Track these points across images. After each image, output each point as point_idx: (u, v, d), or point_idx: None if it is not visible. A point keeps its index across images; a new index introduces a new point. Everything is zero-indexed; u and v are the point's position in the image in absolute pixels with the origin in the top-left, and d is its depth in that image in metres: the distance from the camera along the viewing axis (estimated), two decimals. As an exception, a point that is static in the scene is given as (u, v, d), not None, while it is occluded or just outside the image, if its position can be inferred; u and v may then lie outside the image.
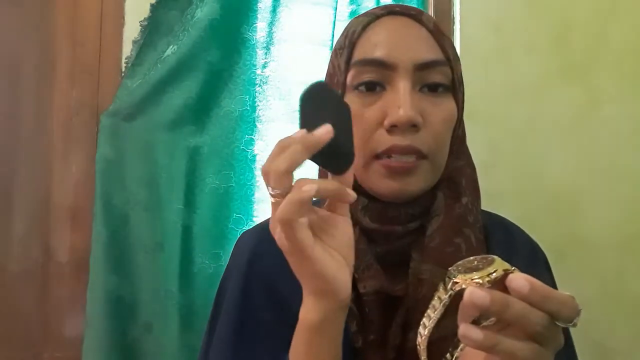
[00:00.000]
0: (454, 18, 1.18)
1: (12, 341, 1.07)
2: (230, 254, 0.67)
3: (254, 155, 1.08)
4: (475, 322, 0.38)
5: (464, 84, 0.62)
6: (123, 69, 1.11)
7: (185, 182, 1.06)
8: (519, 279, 0.36)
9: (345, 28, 0.64)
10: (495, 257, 0.40)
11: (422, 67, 0.57)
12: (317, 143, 0.43)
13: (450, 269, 0.41)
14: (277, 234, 0.44)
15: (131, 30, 1.11)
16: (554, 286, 0.65)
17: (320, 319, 0.47)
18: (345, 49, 0.60)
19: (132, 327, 1.04)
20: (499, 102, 1.15)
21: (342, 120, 0.46)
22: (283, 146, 0.43)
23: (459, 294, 0.38)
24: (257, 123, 1.09)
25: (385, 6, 0.63)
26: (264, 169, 0.44)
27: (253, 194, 1.08)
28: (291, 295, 0.50)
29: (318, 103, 0.45)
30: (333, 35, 1.12)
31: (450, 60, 0.59)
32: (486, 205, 0.65)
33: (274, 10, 1.11)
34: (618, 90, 1.12)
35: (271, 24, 1.11)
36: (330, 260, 0.45)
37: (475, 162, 0.65)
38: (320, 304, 0.47)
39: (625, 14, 1.13)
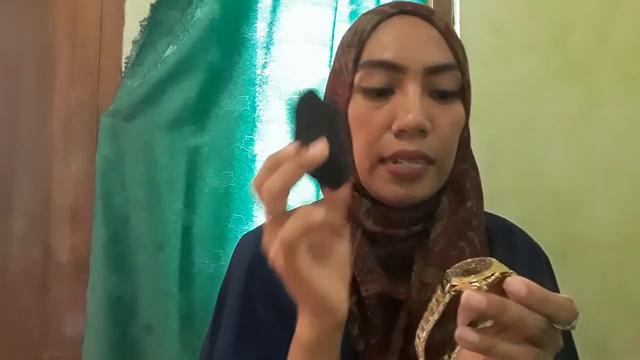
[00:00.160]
0: (454, 18, 1.18)
1: (12, 341, 1.07)
2: (230, 256, 0.67)
3: (254, 155, 1.08)
4: (473, 324, 0.38)
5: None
6: (123, 69, 1.11)
7: (185, 182, 1.06)
8: (517, 282, 0.36)
9: (354, 25, 0.62)
10: (493, 259, 0.40)
11: (433, 71, 0.56)
12: (311, 162, 0.40)
13: (448, 271, 0.41)
14: (273, 252, 0.43)
15: (131, 30, 1.11)
16: (556, 288, 0.65)
17: (316, 337, 0.46)
18: (354, 48, 0.59)
19: (132, 327, 1.04)
20: (499, 102, 1.14)
21: (337, 132, 0.44)
22: (275, 162, 0.41)
23: (458, 297, 0.38)
24: (257, 123, 1.09)
25: (397, 3, 0.61)
26: (255, 184, 0.42)
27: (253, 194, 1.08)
28: (292, 298, 0.50)
29: (311, 113, 0.42)
30: (333, 35, 1.12)
31: (461, 63, 0.58)
32: (486, 205, 0.65)
33: (274, 10, 1.11)
34: (618, 90, 1.12)
35: (271, 24, 1.11)
36: (326, 281, 0.44)
37: (475, 162, 0.65)
38: (316, 323, 0.46)
39: (625, 14, 1.13)
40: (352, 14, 1.16)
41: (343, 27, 1.14)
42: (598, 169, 1.11)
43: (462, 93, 0.59)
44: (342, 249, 0.46)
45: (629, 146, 1.11)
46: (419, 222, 0.59)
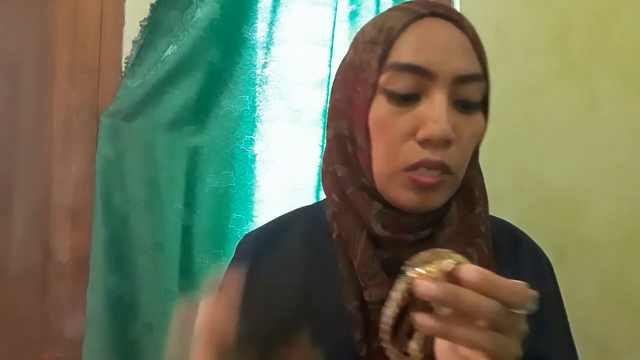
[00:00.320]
0: (454, 18, 1.18)
1: (12, 341, 1.07)
2: (230, 256, 0.67)
3: (254, 155, 1.08)
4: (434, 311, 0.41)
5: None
6: (123, 69, 1.11)
7: (185, 182, 1.06)
8: (469, 270, 0.38)
9: (378, 20, 0.59)
10: (449, 250, 0.42)
11: (461, 80, 0.54)
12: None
13: (406, 262, 0.43)
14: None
15: (131, 30, 1.11)
16: (557, 290, 0.65)
17: None
18: (380, 46, 0.55)
19: (132, 327, 1.04)
20: (499, 102, 1.14)
21: None
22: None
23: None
24: (257, 123, 1.09)
25: (427, 3, 0.58)
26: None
27: (253, 194, 1.08)
28: (292, 300, 0.49)
29: None
30: (333, 35, 1.11)
31: (487, 74, 0.57)
32: (486, 205, 0.65)
33: (274, 10, 1.11)
34: (618, 90, 1.12)
35: (271, 24, 1.11)
36: None
37: (476, 163, 0.65)
38: None
39: (625, 14, 1.13)
40: (352, 14, 1.16)
41: (343, 27, 1.14)
42: (598, 168, 1.11)
43: (484, 104, 0.58)
44: None
45: (629, 146, 1.11)
46: (427, 227, 0.58)
